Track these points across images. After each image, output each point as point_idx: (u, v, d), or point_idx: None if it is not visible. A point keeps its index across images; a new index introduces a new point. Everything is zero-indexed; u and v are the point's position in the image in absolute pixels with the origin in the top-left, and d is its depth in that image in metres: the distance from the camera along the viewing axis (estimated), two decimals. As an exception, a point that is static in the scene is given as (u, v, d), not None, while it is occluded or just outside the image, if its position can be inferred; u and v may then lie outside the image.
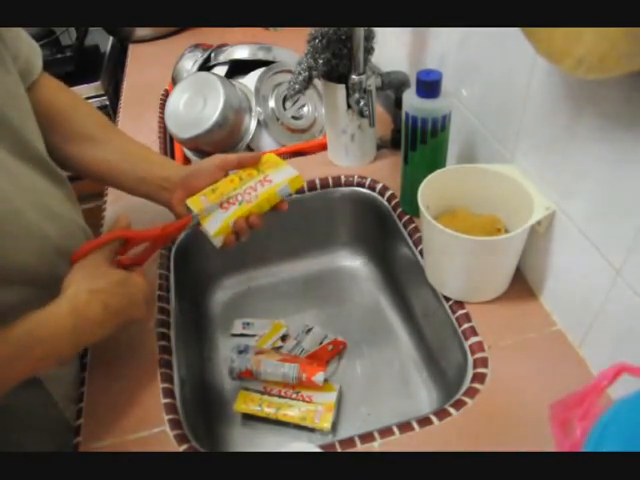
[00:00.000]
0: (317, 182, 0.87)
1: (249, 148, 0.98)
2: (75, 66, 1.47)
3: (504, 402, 0.56)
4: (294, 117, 1.00)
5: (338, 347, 0.80)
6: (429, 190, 0.63)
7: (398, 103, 0.86)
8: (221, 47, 1.13)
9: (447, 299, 0.67)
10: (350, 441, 0.55)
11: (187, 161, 1.01)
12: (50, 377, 0.61)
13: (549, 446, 0.40)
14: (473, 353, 0.61)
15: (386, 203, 0.84)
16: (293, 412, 0.71)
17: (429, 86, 0.64)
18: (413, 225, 0.78)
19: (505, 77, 0.62)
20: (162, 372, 0.63)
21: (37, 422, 0.62)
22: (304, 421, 0.70)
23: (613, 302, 0.52)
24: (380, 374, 0.78)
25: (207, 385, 0.78)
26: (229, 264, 0.93)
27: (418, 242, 0.75)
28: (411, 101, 0.66)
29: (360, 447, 0.54)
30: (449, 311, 0.66)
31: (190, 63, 1.12)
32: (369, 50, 0.79)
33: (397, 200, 0.82)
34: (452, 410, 0.56)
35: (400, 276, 0.85)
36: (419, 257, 0.74)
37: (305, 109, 1.02)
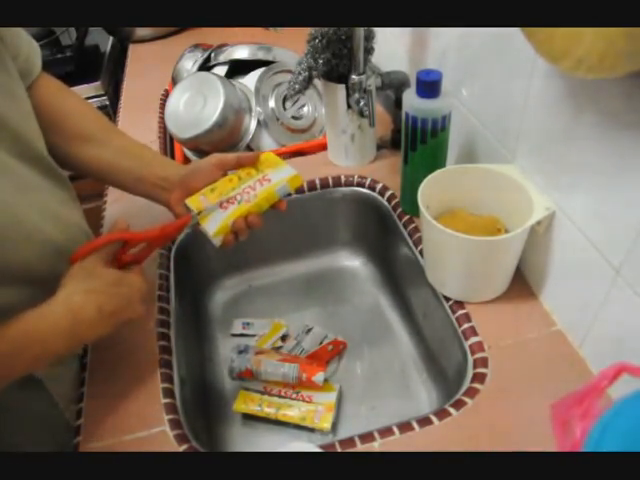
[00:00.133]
0: (317, 182, 0.88)
1: (249, 148, 0.98)
2: (75, 66, 1.47)
3: (504, 402, 0.56)
4: (294, 117, 1.00)
5: (338, 347, 0.80)
6: (429, 190, 0.63)
7: (398, 103, 0.86)
8: (221, 47, 1.13)
9: (447, 299, 0.67)
10: (350, 441, 0.55)
11: (187, 161, 1.01)
12: (50, 377, 0.61)
13: (549, 446, 0.40)
14: (473, 353, 0.61)
15: (386, 203, 0.84)
16: (293, 412, 0.71)
17: (429, 86, 0.64)
18: (413, 225, 0.78)
19: (505, 77, 0.62)
20: (162, 372, 0.63)
21: (37, 422, 0.62)
22: (304, 421, 0.70)
23: (613, 302, 0.52)
24: (380, 374, 0.78)
25: (207, 385, 0.78)
26: (229, 264, 0.93)
27: (418, 242, 0.75)
28: (411, 101, 0.66)
29: (360, 447, 0.54)
30: (449, 311, 0.66)
31: (190, 63, 1.12)
32: (369, 50, 0.79)
33: (397, 200, 0.82)
34: (452, 410, 0.56)
35: (400, 276, 0.85)
36: (419, 257, 0.74)
37: (305, 109, 1.02)
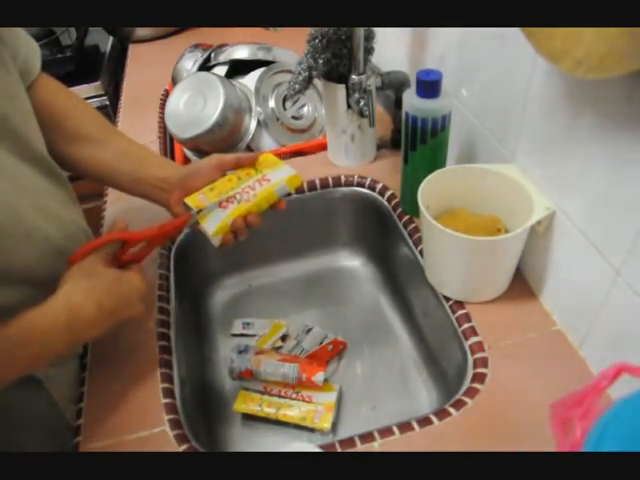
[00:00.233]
0: (317, 182, 0.87)
1: (249, 148, 0.98)
2: (75, 66, 1.47)
3: (504, 402, 0.56)
4: (294, 117, 1.00)
5: (338, 347, 0.80)
6: (429, 190, 0.63)
7: (398, 103, 0.86)
8: (221, 47, 1.13)
9: (447, 299, 0.67)
10: (350, 441, 0.55)
11: (187, 161, 1.01)
12: (50, 377, 0.61)
13: (549, 446, 0.40)
14: (473, 353, 0.61)
15: (386, 203, 0.84)
16: (293, 412, 0.71)
17: (429, 86, 0.64)
18: (413, 225, 0.78)
19: (505, 77, 0.62)
20: (162, 372, 0.63)
21: (37, 422, 0.62)
22: (304, 421, 0.70)
23: (613, 302, 0.52)
24: (380, 374, 0.78)
25: (207, 385, 0.78)
26: (229, 264, 0.93)
27: (418, 242, 0.75)
28: (411, 101, 0.66)
29: (360, 447, 0.54)
30: (449, 311, 0.66)
31: (190, 63, 1.12)
32: (369, 50, 0.79)
33: (397, 200, 0.82)
34: (452, 410, 0.56)
35: (400, 276, 0.85)
36: (419, 257, 0.74)
37: (305, 109, 1.02)
